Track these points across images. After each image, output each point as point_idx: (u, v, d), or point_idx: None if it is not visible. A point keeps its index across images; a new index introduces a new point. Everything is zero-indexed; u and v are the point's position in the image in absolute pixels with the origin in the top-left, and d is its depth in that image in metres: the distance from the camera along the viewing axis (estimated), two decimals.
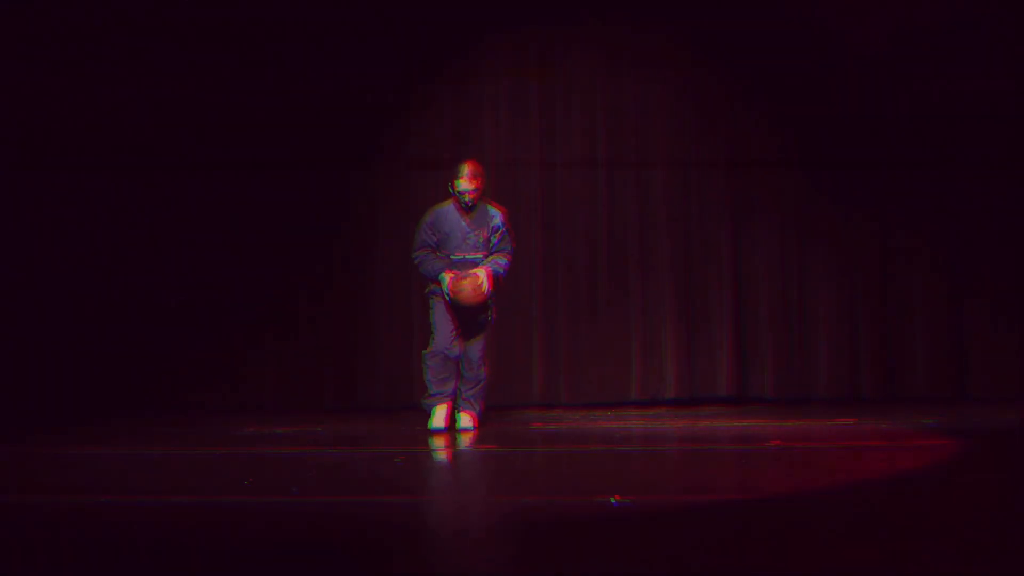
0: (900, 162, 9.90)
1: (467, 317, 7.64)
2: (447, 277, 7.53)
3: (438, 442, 7.08)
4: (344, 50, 9.90)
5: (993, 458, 6.05)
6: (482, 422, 7.76)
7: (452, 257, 7.64)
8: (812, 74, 9.89)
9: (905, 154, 9.90)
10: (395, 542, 3.73)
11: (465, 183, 7.61)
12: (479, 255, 7.63)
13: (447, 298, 7.57)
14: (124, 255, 9.90)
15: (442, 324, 7.64)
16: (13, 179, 9.85)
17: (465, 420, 7.71)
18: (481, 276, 7.51)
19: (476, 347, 7.66)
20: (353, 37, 9.92)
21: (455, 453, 6.40)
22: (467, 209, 7.64)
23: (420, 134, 10.02)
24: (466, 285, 7.46)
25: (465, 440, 7.21)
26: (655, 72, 10.01)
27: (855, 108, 9.91)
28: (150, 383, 9.90)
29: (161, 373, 9.93)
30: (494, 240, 7.68)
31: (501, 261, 7.70)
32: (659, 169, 10.03)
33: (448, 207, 7.72)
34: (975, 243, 9.81)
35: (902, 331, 9.90)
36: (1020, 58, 9.71)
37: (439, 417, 7.60)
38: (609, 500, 4.37)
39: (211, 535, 3.89)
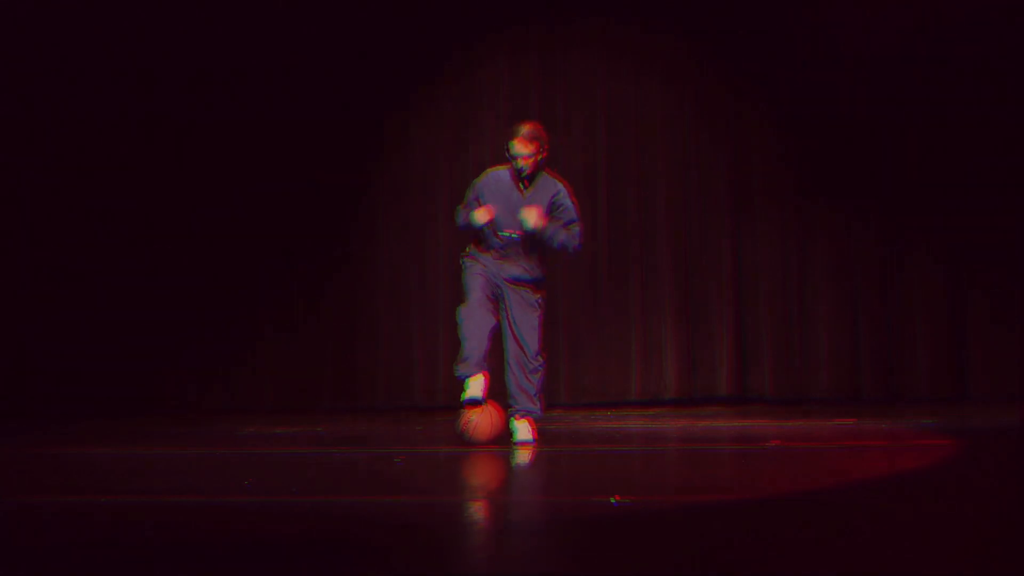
0: (900, 162, 9.90)
1: (514, 298, 6.51)
2: (477, 213, 6.46)
3: (440, 442, 7.08)
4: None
5: (993, 458, 6.05)
6: (541, 429, 6.75)
7: (500, 234, 6.49)
8: (814, 74, 9.91)
9: (906, 154, 9.90)
10: (394, 542, 3.73)
11: (518, 146, 6.34)
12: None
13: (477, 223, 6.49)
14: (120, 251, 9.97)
15: (474, 284, 6.50)
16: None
17: (523, 431, 6.55)
18: (533, 216, 6.30)
19: (532, 334, 6.50)
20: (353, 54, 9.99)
21: (454, 454, 6.38)
22: (523, 178, 6.43)
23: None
24: (474, 419, 6.38)
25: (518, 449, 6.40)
26: (657, 72, 10.02)
27: (858, 109, 9.91)
28: (150, 383, 9.93)
29: (161, 373, 9.96)
30: (556, 216, 6.47)
31: (574, 230, 6.50)
32: (660, 168, 10.04)
33: (503, 172, 6.53)
34: (975, 243, 9.81)
35: (902, 331, 9.90)
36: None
37: (475, 388, 6.38)
38: (609, 500, 4.37)
39: (211, 535, 3.89)
